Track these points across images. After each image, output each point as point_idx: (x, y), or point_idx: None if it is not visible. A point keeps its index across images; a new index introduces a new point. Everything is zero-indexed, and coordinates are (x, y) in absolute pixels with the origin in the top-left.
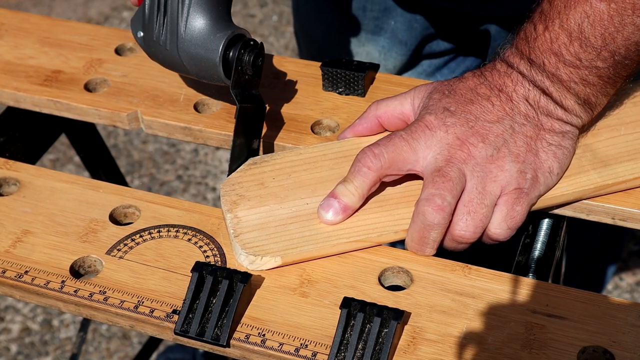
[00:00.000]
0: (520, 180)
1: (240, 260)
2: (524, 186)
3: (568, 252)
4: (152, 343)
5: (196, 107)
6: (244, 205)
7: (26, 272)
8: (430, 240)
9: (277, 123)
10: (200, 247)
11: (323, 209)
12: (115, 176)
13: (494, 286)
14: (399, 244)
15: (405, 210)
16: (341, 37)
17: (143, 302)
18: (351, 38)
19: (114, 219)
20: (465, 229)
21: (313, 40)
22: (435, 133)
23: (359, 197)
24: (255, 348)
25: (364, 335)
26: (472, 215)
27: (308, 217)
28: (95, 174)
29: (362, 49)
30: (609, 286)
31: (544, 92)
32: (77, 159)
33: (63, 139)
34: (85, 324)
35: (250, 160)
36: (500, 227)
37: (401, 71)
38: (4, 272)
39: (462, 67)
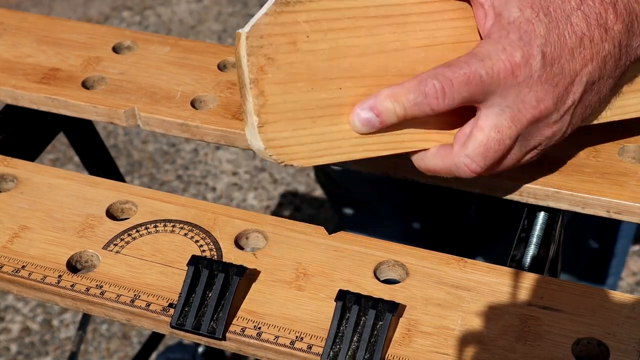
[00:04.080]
0: None
1: (254, 146)
2: None
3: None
4: (152, 343)
5: (193, 104)
6: (272, 75)
7: (23, 267)
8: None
9: None
10: (197, 241)
11: (360, 121)
12: (114, 176)
13: (489, 279)
14: (393, 236)
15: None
16: None
17: (139, 296)
18: None
19: (111, 215)
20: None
21: None
22: (519, 84)
23: (402, 120)
24: (251, 341)
25: (359, 327)
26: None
27: (338, 110)
28: (95, 174)
29: None
30: None
31: None
32: (76, 158)
33: (63, 139)
34: (84, 322)
35: None
36: None
37: None
38: (1, 267)
39: None
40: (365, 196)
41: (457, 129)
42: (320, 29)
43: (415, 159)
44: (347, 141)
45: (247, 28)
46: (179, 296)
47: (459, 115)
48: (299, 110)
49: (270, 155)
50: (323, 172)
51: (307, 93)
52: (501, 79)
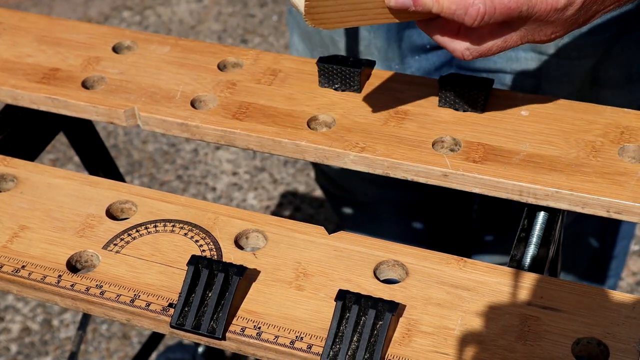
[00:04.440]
0: None
1: (294, 2)
2: None
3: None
4: (152, 343)
5: (193, 104)
6: None
7: (23, 266)
8: None
9: (274, 118)
10: (197, 241)
11: (396, 1)
12: (114, 176)
13: (489, 279)
14: (393, 236)
15: None
16: None
17: (139, 296)
18: None
19: (111, 214)
20: None
21: None
22: (547, 22)
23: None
24: (251, 341)
25: (359, 327)
26: None
27: None
28: (95, 174)
29: (353, 29)
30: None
31: None
32: (77, 159)
33: (63, 139)
34: (84, 322)
35: None
36: None
37: (388, 46)
38: (1, 267)
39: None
40: (366, 197)
41: None
42: None
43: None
44: (374, 10)
45: None
46: (179, 296)
47: None
48: None
49: (307, 19)
50: (323, 174)
51: None
52: (535, 15)
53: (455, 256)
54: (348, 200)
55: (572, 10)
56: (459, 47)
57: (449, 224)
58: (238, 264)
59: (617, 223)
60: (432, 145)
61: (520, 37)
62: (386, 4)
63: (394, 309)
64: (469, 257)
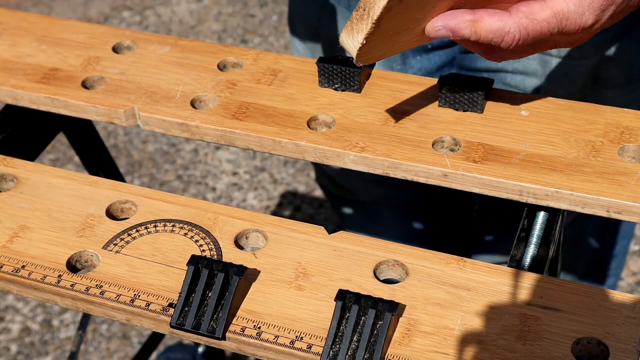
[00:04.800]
0: None
1: (344, 43)
2: None
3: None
4: (152, 343)
5: (193, 104)
6: (394, 13)
7: (23, 266)
8: None
9: (274, 118)
10: (197, 241)
11: (435, 33)
12: (114, 176)
13: (489, 279)
14: (394, 236)
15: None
16: (332, 19)
17: (139, 295)
18: (342, 20)
19: (111, 214)
20: None
21: (309, 22)
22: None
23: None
24: (251, 340)
25: (359, 327)
26: None
27: (421, 23)
28: (95, 174)
29: None
30: None
31: None
32: (77, 159)
33: (63, 139)
34: (84, 322)
35: None
36: None
37: None
38: (1, 267)
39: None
40: (367, 197)
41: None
42: None
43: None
44: (411, 39)
45: None
46: (179, 296)
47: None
48: (396, 31)
49: (354, 59)
50: (324, 174)
51: (409, 16)
52: (565, 32)
53: (455, 256)
54: (349, 201)
55: (598, 26)
56: (493, 57)
57: (449, 224)
58: (238, 263)
59: (617, 222)
60: (432, 145)
61: (549, 46)
62: (427, 34)
63: (394, 308)
64: (469, 257)
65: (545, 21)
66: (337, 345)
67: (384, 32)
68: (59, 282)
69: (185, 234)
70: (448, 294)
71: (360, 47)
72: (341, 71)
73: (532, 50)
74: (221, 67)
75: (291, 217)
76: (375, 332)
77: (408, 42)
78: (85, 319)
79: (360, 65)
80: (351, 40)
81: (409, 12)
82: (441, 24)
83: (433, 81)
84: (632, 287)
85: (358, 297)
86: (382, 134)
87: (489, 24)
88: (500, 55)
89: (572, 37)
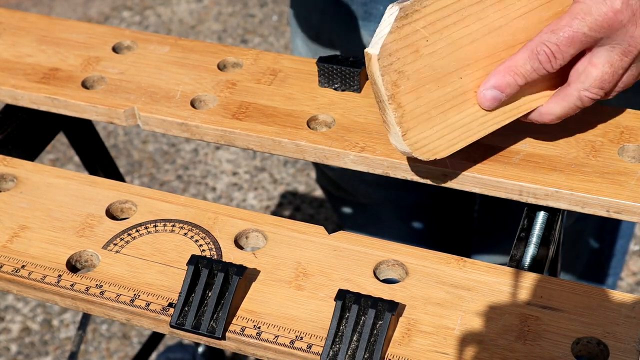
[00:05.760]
0: None
1: (400, 150)
2: None
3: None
4: (152, 343)
5: (193, 104)
6: (404, 86)
7: (23, 266)
8: None
9: (274, 118)
10: (196, 241)
11: (487, 100)
12: (114, 176)
13: (489, 279)
14: (395, 237)
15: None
16: (334, 23)
17: (139, 295)
18: (343, 24)
19: (111, 214)
20: None
21: (310, 26)
22: (625, 25)
23: (523, 88)
24: (251, 340)
25: (359, 327)
26: None
27: (462, 98)
28: (94, 174)
29: (355, 35)
30: None
31: None
32: (77, 159)
33: (63, 139)
34: (84, 322)
35: (401, 11)
36: None
37: None
38: (1, 267)
39: None
40: (368, 199)
41: (562, 77)
42: (436, 30)
43: (536, 117)
44: (476, 121)
45: (375, 49)
46: (179, 296)
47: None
48: (432, 109)
49: (417, 156)
50: (325, 175)
51: (435, 91)
52: (605, 28)
53: (455, 256)
54: (349, 202)
55: (636, 4)
56: (580, 94)
57: (450, 224)
58: (238, 263)
59: (616, 221)
60: None
61: (622, 52)
62: (481, 107)
63: (394, 308)
64: (469, 257)
65: (566, 25)
66: (337, 345)
67: (416, 112)
68: (58, 282)
69: (185, 233)
70: (448, 293)
71: (405, 135)
72: (341, 71)
73: (609, 69)
74: (221, 67)
75: (291, 217)
76: (375, 332)
77: (480, 127)
78: (85, 319)
79: (426, 159)
80: (396, 138)
81: (428, 84)
82: (488, 85)
83: None
84: (632, 287)
85: (358, 297)
86: (382, 134)
87: (519, 58)
88: (577, 87)
89: (624, 36)
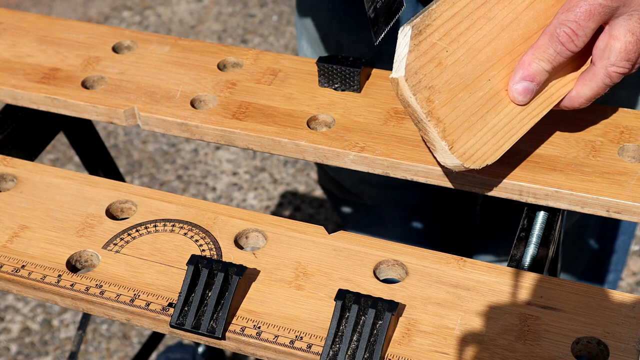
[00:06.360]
0: None
1: (450, 164)
2: None
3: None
4: (152, 343)
5: (193, 104)
6: (439, 100)
7: (23, 266)
8: None
9: (273, 118)
10: (196, 241)
11: (520, 94)
12: (114, 176)
13: (489, 278)
14: (397, 238)
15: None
16: (342, 23)
17: (139, 295)
18: (352, 24)
19: (111, 214)
20: None
21: (317, 26)
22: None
23: (551, 73)
24: (251, 340)
25: (359, 327)
26: None
27: (496, 98)
28: (94, 174)
29: (362, 35)
30: None
31: None
32: (77, 159)
33: (63, 139)
34: (84, 322)
35: (414, 29)
36: None
37: None
38: (1, 267)
39: None
40: (370, 199)
41: (586, 56)
42: (452, 39)
43: (567, 103)
44: (515, 119)
45: (400, 71)
46: (179, 295)
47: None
48: (470, 116)
49: (469, 166)
50: (326, 176)
51: (469, 98)
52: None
53: (454, 256)
54: (351, 203)
55: None
56: (607, 72)
57: (452, 224)
58: (238, 263)
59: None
60: None
61: (630, 25)
62: (516, 103)
63: (394, 308)
64: (470, 256)
65: (581, 1)
66: (337, 345)
67: (456, 123)
68: (58, 281)
69: (185, 233)
70: (448, 293)
71: (452, 148)
72: (341, 71)
73: (631, 38)
74: (221, 67)
75: (291, 217)
76: (375, 331)
77: (519, 125)
78: (85, 319)
79: (478, 167)
80: (444, 154)
81: (460, 93)
82: (517, 79)
83: None
84: (632, 287)
85: (358, 297)
86: (382, 133)
87: (541, 44)
88: (603, 64)
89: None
